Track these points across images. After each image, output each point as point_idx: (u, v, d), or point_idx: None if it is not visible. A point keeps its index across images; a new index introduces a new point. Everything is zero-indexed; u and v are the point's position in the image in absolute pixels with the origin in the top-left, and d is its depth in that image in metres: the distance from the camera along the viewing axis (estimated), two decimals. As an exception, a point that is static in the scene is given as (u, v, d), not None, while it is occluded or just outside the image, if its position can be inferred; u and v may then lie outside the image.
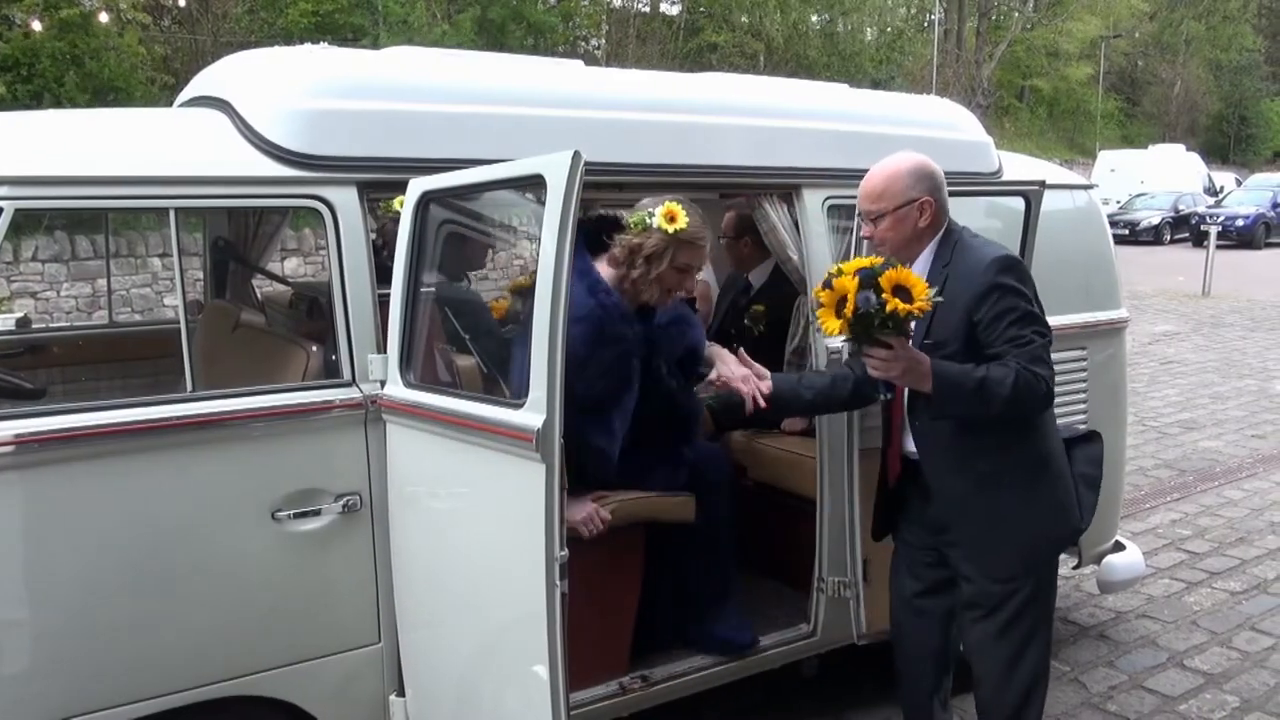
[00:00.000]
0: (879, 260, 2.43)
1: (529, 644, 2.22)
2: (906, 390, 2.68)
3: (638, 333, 2.92)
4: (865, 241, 2.78)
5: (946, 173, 2.74)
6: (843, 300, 2.38)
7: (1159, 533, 5.58)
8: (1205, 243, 18.26)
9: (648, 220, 2.83)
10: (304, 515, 2.51)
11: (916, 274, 2.50)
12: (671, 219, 2.82)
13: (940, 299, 2.47)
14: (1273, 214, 26.88)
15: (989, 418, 2.55)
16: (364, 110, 2.62)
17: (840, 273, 2.41)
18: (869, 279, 2.36)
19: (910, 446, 2.78)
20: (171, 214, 2.42)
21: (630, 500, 2.98)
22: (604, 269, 2.95)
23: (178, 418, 2.34)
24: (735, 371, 2.95)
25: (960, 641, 2.92)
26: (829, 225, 3.30)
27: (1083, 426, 3.50)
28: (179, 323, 2.49)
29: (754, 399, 2.87)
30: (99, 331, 4.12)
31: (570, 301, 2.14)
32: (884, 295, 2.34)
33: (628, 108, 3.02)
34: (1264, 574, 4.97)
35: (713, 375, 3.03)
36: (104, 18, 14.80)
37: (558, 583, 2.15)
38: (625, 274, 2.91)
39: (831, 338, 2.51)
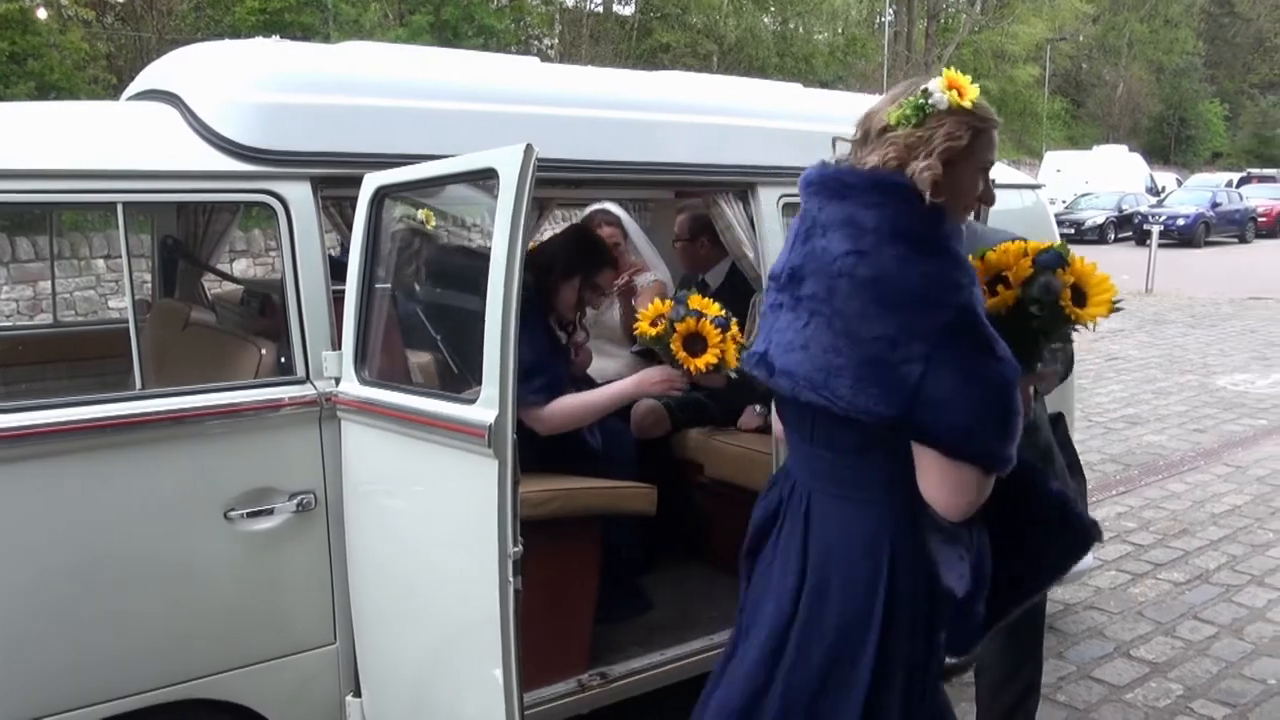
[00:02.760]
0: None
1: (484, 642, 2.21)
2: None
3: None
4: None
5: None
6: (997, 279, 1.87)
7: (1105, 526, 5.63)
8: (1148, 242, 18.70)
9: (924, 103, 1.78)
10: (257, 514, 2.47)
11: None
12: (959, 90, 1.79)
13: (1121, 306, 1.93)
14: (1212, 213, 27.58)
15: None
16: (317, 104, 2.59)
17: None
18: (1053, 263, 1.86)
19: None
20: (119, 209, 2.37)
21: (589, 490, 2.98)
22: None
23: (126, 416, 2.30)
24: None
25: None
26: (784, 223, 3.32)
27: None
28: (127, 321, 2.45)
29: None
30: (43, 332, 4.03)
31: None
32: (1063, 296, 1.83)
33: (584, 104, 3.02)
34: (1206, 564, 5.08)
35: None
36: (42, 13, 14.49)
37: (511, 579, 2.15)
38: None
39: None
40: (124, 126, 2.63)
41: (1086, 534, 1.94)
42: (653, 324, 2.92)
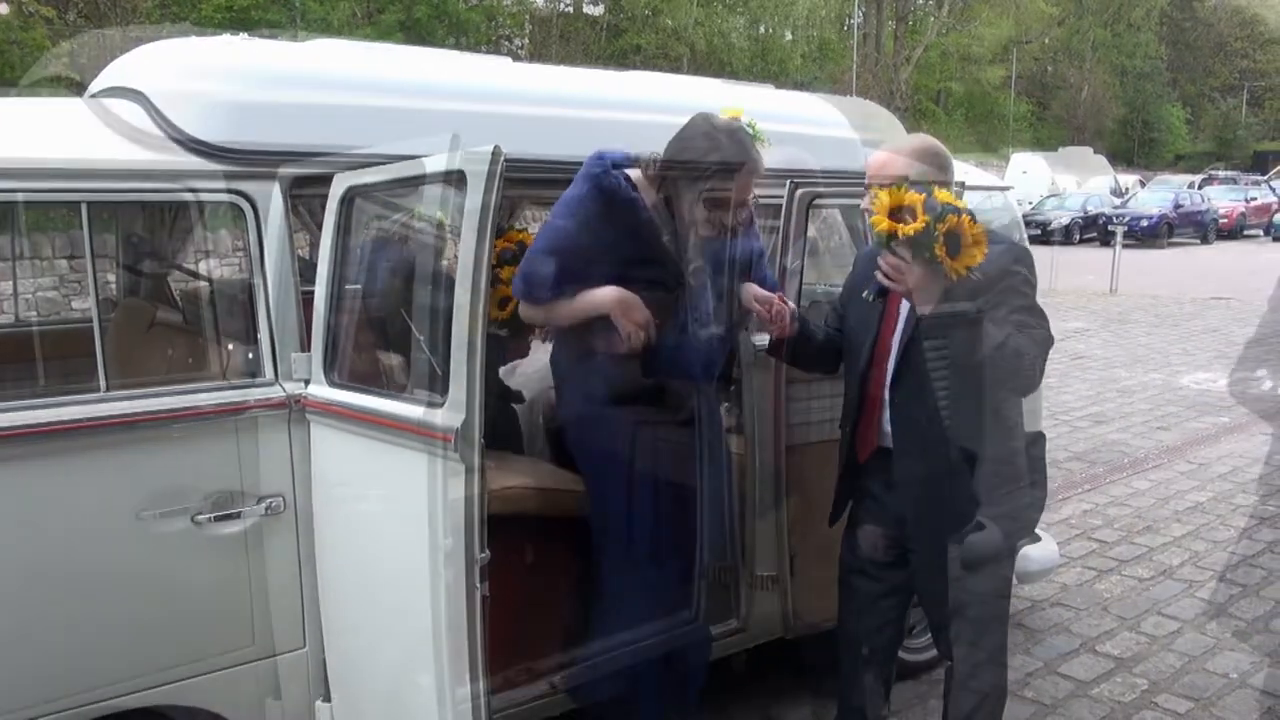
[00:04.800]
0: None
1: (452, 646, 2.19)
2: (891, 364, 2.68)
3: None
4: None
5: None
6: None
7: (1071, 523, 5.76)
8: (1112, 242, 18.93)
9: None
10: (225, 518, 2.45)
11: None
12: None
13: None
14: (1174, 214, 27.99)
15: (971, 364, 2.52)
16: (286, 102, 2.57)
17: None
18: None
19: (886, 428, 2.72)
20: (83, 208, 2.34)
21: (565, 492, 2.97)
22: None
23: (89, 419, 2.27)
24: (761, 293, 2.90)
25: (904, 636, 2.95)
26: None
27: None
28: (91, 320, 2.41)
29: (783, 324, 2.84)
30: (3, 331, 3.97)
31: None
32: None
33: (555, 103, 3.01)
34: (1169, 561, 5.16)
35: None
36: (3, 9, 14.27)
37: (478, 585, 2.14)
38: None
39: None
40: (88, 124, 2.58)
41: None
42: (897, 219, 2.47)
